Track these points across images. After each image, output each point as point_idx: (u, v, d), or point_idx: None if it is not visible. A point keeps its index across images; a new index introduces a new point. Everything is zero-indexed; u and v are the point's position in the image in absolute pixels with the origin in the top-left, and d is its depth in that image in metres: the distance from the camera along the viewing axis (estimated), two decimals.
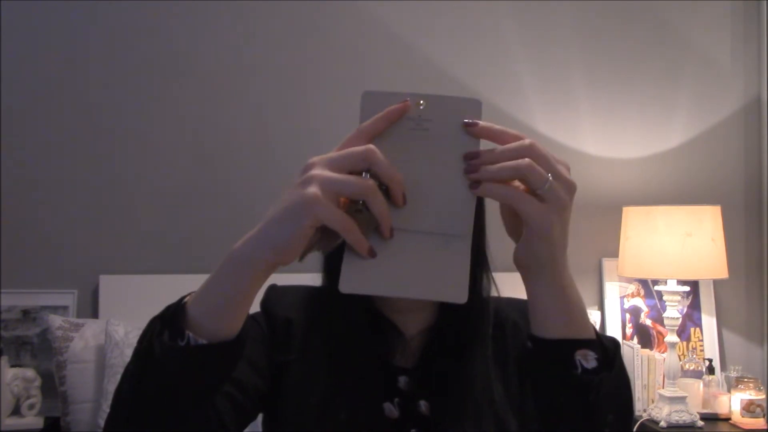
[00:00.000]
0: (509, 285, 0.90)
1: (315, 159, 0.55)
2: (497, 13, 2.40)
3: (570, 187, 0.57)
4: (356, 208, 0.54)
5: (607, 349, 0.64)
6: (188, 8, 2.24)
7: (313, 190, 0.53)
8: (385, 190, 0.55)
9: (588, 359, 0.62)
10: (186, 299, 0.61)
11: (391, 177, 0.54)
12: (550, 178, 0.55)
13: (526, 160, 0.55)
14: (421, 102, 0.57)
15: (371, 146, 0.54)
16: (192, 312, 0.59)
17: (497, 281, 0.89)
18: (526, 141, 0.56)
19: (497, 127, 0.57)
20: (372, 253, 0.55)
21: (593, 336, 0.64)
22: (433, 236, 0.56)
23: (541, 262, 0.60)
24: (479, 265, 0.85)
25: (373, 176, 0.54)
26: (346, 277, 0.55)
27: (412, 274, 0.56)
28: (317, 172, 0.54)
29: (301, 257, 0.58)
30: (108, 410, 0.64)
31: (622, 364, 0.65)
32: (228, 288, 0.59)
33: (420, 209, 0.56)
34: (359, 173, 0.54)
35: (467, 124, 0.57)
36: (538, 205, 0.56)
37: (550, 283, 0.61)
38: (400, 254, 0.56)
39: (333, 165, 0.54)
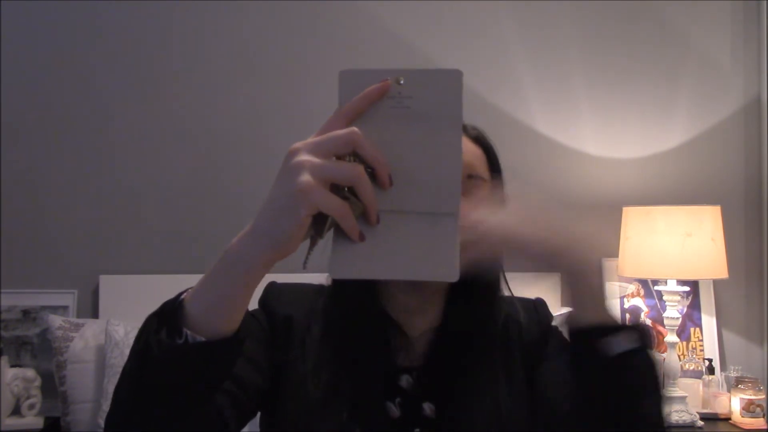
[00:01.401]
0: (513, 285, 0.91)
1: (298, 144, 0.54)
2: (497, 13, 2.40)
3: None
4: (343, 194, 0.52)
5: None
6: (188, 9, 2.24)
7: (306, 178, 0.51)
8: (370, 173, 0.53)
9: None
10: (183, 296, 0.60)
11: (376, 159, 0.53)
12: None
13: None
14: (401, 78, 0.55)
15: (354, 129, 0.52)
16: (190, 309, 0.58)
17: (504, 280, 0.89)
18: None
19: None
20: (362, 238, 0.53)
21: None
22: (421, 216, 0.54)
23: None
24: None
25: (357, 158, 0.53)
26: (336, 262, 0.54)
27: (402, 256, 0.54)
28: (304, 158, 0.52)
29: (305, 264, 0.57)
30: (108, 410, 0.64)
31: None
32: (226, 286, 0.58)
33: (406, 189, 0.54)
34: (343, 157, 0.53)
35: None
36: None
37: None
38: (388, 236, 0.54)
39: (318, 150, 0.52)
